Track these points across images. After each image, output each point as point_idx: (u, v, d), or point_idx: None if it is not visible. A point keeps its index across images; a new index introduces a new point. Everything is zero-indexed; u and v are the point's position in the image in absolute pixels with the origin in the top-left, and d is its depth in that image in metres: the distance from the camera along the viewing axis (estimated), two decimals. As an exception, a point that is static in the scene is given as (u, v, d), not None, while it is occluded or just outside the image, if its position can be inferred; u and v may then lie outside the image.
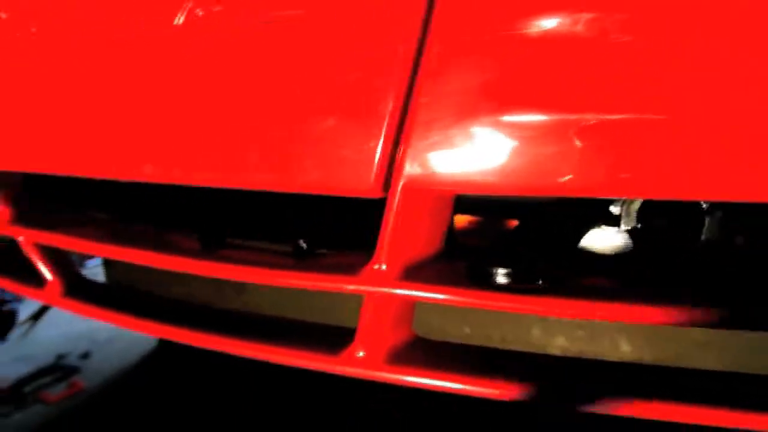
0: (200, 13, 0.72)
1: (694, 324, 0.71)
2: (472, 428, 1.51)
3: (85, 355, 2.35)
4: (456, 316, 1.23)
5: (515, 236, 0.79)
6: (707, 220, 0.69)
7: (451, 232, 0.93)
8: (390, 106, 0.64)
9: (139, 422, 1.86)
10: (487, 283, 0.69)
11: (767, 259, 0.70)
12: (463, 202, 0.94)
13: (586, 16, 0.57)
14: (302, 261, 0.82)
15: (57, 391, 2.10)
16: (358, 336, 0.76)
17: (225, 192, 0.82)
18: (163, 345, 2.26)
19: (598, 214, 0.80)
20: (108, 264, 1.57)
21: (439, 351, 0.80)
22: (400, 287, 0.70)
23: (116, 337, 2.44)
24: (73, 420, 1.97)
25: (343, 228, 0.91)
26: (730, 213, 0.70)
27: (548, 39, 0.59)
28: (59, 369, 2.26)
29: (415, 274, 0.71)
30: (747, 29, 0.53)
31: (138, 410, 1.93)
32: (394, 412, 1.60)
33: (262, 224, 0.98)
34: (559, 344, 1.12)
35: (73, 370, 2.25)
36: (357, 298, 0.76)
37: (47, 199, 1.09)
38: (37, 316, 1.63)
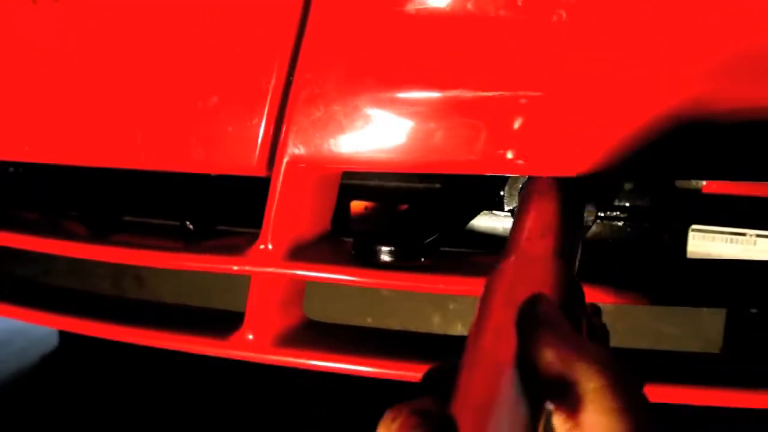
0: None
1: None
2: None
3: (-20, 357, 2.24)
4: (357, 308, 1.23)
5: (404, 218, 0.80)
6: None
7: (347, 218, 0.94)
8: (272, 82, 0.64)
9: (36, 424, 1.79)
10: (371, 261, 0.69)
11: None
12: (358, 189, 0.94)
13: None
14: (190, 243, 0.81)
15: (-51, 395, 2.00)
16: (246, 318, 0.75)
17: (116, 174, 0.80)
18: (63, 344, 2.18)
19: (488, 198, 0.82)
20: (-1, 258, 1.50)
21: (331, 333, 0.80)
22: (286, 267, 0.70)
23: (13, 338, 2.33)
24: (-34, 424, 1.88)
25: (235, 207, 0.90)
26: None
27: (430, 15, 0.60)
28: (-48, 372, 2.15)
29: (300, 253, 0.71)
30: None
31: (35, 412, 1.86)
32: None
33: (155, 205, 0.95)
34: (458, 331, 1.13)
35: (-33, 373, 2.15)
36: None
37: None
38: None
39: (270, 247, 0.70)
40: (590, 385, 0.30)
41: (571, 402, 0.30)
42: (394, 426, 0.32)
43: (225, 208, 0.91)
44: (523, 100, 0.59)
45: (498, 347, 0.35)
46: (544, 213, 0.54)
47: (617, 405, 0.30)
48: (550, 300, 0.38)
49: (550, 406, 0.31)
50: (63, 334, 2.15)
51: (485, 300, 0.41)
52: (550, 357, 0.33)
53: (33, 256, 1.38)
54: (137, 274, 1.36)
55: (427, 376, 0.39)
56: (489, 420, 0.30)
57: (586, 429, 0.30)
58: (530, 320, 0.35)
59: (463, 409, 0.32)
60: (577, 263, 0.52)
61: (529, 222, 0.53)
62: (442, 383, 0.35)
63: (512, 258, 0.47)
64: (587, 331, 0.45)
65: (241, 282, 1.03)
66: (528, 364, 0.33)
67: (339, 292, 1.16)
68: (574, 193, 0.60)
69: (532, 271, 0.44)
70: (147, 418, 1.70)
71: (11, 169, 1.12)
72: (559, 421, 0.31)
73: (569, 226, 0.54)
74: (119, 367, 1.90)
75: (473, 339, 0.37)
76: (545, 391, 0.32)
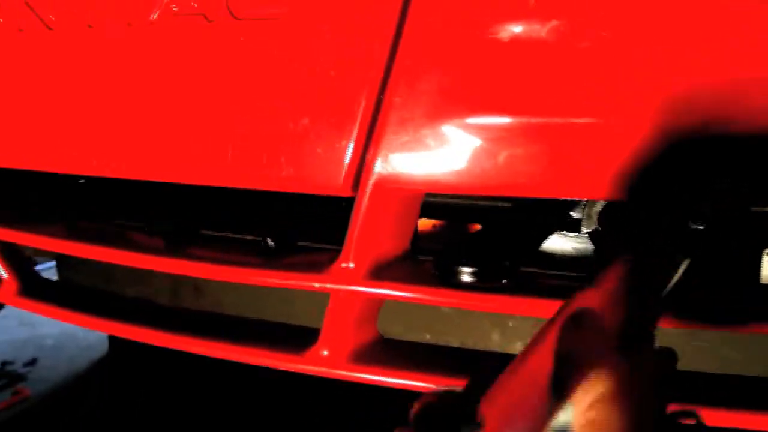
0: (176, 9, 0.72)
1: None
2: None
3: (32, 362, 2.29)
4: (416, 324, 1.24)
5: (479, 239, 0.80)
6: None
7: (415, 236, 0.95)
8: (362, 105, 0.65)
9: (85, 428, 1.81)
10: (452, 281, 0.70)
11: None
12: (427, 207, 0.95)
13: (555, 23, 0.59)
14: (269, 259, 0.82)
15: (1, 399, 2.04)
16: (322, 335, 0.77)
17: (197, 188, 0.82)
18: (113, 352, 2.21)
19: (561, 219, 0.83)
20: (61, 266, 1.53)
21: (403, 350, 0.81)
22: (367, 285, 0.71)
23: (64, 344, 2.38)
24: (18, 428, 1.91)
25: (316, 224, 0.91)
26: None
27: (519, 43, 0.61)
28: (4, 376, 2.20)
29: (381, 272, 0.72)
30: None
31: (84, 418, 1.88)
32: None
33: (236, 219, 0.97)
34: (517, 349, 1.13)
35: (19, 378, 2.19)
36: (317, 301, 0.77)
37: (7, 198, 1.06)
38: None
39: (352, 265, 0.71)
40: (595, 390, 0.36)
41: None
42: None
43: (303, 223, 0.93)
44: (609, 128, 0.60)
45: (539, 359, 0.39)
46: (629, 282, 0.52)
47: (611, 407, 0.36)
48: (594, 317, 0.42)
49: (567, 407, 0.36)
50: (113, 342, 2.18)
51: (549, 322, 0.43)
52: (573, 365, 0.38)
53: (93, 266, 1.42)
54: (196, 284, 1.38)
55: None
56: (512, 417, 0.35)
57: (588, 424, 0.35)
58: (569, 334, 0.40)
59: (491, 406, 0.36)
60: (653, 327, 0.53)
61: (614, 277, 0.52)
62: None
63: (588, 293, 0.48)
64: None
65: (300, 295, 1.04)
66: (559, 372, 0.38)
67: (397, 307, 1.17)
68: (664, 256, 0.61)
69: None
70: (186, 424, 1.72)
71: (82, 181, 1.15)
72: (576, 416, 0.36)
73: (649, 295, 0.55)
74: (165, 375, 1.92)
75: (521, 354, 0.41)
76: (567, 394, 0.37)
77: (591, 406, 0.35)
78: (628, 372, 0.38)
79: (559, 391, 0.36)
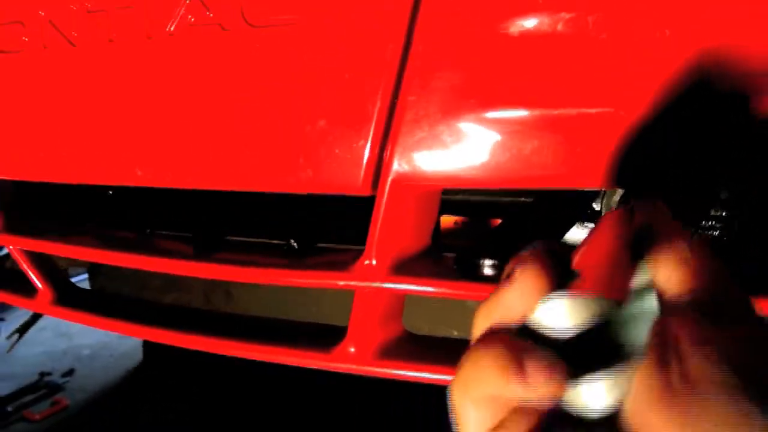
0: (192, 20, 0.74)
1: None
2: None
3: (69, 373, 2.34)
4: (443, 320, 1.25)
5: (499, 232, 0.81)
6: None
7: (437, 232, 0.96)
8: (378, 105, 0.67)
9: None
10: (474, 275, 0.71)
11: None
12: (448, 203, 0.96)
13: (567, 15, 0.60)
14: (294, 260, 0.84)
15: (41, 410, 2.09)
16: (349, 332, 0.78)
17: (220, 193, 0.84)
18: (147, 360, 2.25)
19: (581, 211, 0.83)
20: (93, 276, 1.57)
21: (428, 345, 0.82)
22: (390, 281, 0.72)
23: (100, 354, 2.43)
24: (58, 437, 1.96)
25: (340, 224, 0.93)
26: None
27: (532, 37, 0.61)
28: (42, 387, 2.25)
29: (404, 268, 0.73)
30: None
31: (122, 427, 1.92)
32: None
33: (259, 224, 0.99)
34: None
35: (57, 388, 2.24)
36: (343, 301, 0.78)
37: (39, 210, 1.09)
38: (23, 330, 1.62)
39: (374, 262, 0.72)
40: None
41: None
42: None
43: (325, 225, 0.94)
44: (623, 118, 0.60)
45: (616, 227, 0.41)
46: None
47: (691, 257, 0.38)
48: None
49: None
50: (146, 350, 2.22)
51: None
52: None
53: (124, 275, 1.45)
54: (227, 289, 1.40)
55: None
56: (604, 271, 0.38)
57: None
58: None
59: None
60: None
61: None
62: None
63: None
64: None
65: (327, 295, 1.05)
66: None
67: (423, 304, 1.17)
68: None
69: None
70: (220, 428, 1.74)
71: (110, 192, 1.18)
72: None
73: None
74: (197, 384, 1.95)
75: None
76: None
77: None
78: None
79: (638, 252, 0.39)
